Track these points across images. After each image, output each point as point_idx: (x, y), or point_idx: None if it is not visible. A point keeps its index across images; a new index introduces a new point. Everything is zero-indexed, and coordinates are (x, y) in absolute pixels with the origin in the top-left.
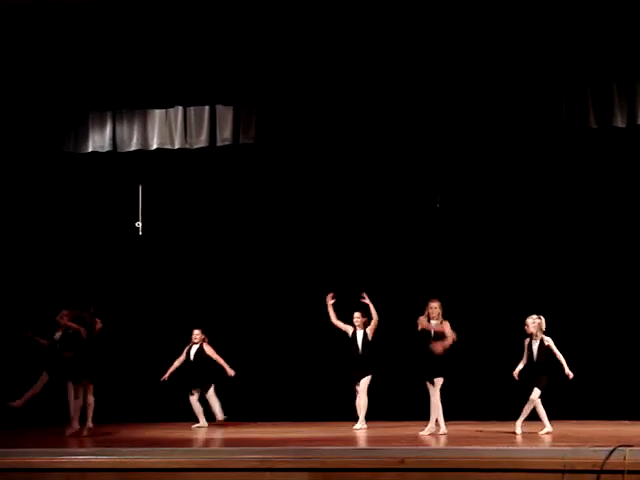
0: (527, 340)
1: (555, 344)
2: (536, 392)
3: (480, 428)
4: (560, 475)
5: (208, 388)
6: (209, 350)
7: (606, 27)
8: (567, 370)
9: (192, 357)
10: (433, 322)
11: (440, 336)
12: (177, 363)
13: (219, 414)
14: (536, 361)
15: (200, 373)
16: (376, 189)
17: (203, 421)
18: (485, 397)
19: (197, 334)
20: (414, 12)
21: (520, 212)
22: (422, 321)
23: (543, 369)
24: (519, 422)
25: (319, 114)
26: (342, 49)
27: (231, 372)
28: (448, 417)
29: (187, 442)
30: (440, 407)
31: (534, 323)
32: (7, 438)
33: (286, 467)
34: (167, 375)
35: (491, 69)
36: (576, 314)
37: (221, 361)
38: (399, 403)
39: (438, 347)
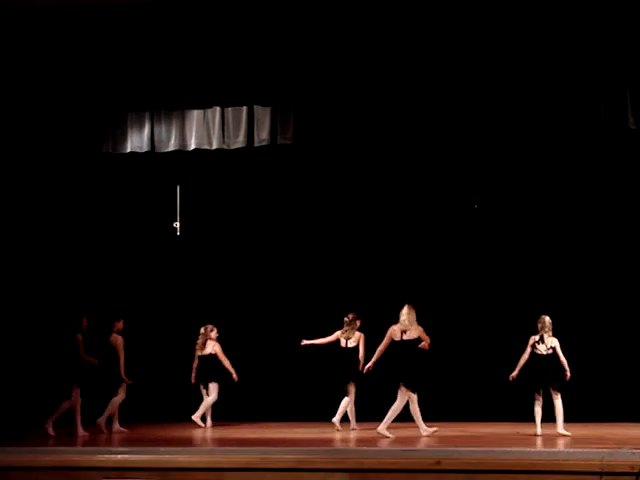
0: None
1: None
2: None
3: (518, 430)
4: (598, 477)
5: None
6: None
7: None
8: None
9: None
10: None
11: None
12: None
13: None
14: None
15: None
16: (414, 189)
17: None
18: (522, 399)
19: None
20: (449, 15)
21: (556, 212)
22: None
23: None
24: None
25: (357, 115)
26: (381, 50)
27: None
28: (485, 418)
29: (226, 442)
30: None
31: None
32: (48, 436)
33: (324, 467)
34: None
35: (531, 68)
36: (609, 317)
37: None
38: (435, 404)
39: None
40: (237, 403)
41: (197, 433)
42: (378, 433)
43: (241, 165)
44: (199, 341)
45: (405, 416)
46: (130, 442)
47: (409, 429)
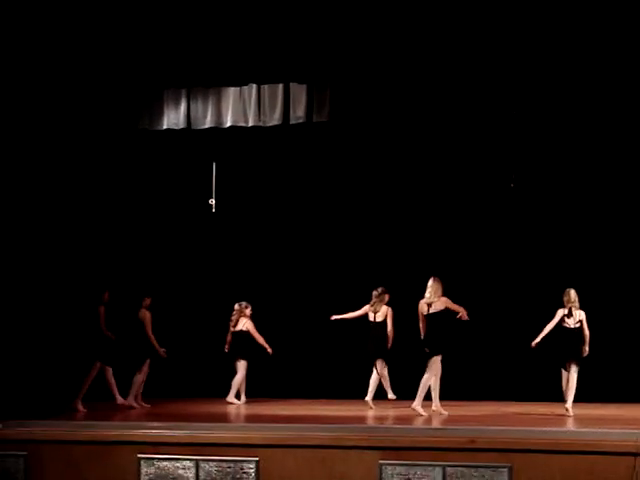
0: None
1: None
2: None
3: (552, 410)
4: (632, 458)
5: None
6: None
7: None
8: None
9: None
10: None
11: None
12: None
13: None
14: None
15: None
16: (451, 167)
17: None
18: (555, 378)
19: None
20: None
21: (592, 192)
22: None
23: None
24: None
25: (393, 92)
26: (418, 27)
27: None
28: (521, 398)
29: (259, 418)
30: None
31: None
32: (84, 412)
33: (357, 445)
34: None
35: (571, 51)
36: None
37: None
38: (469, 382)
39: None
40: (270, 379)
41: (231, 409)
42: (413, 410)
43: (277, 142)
44: (233, 317)
45: (449, 394)
46: (164, 418)
47: (444, 407)
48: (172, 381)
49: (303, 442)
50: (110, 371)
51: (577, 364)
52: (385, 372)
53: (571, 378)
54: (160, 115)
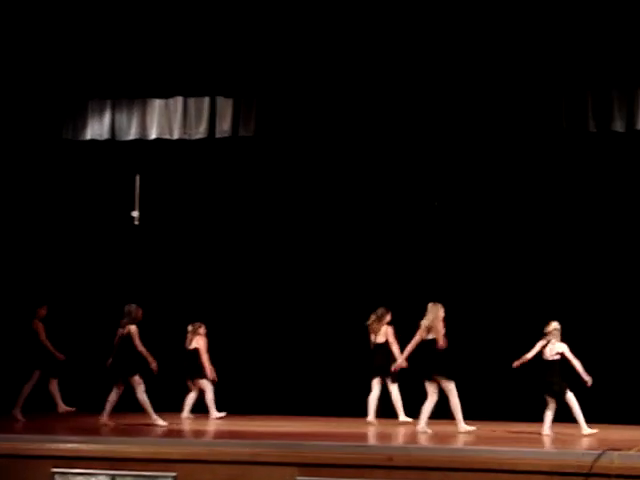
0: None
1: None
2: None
3: (476, 426)
4: (548, 477)
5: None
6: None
7: (607, 32)
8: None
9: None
10: None
11: None
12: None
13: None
14: None
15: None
16: (374, 186)
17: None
18: (478, 396)
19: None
20: (415, 12)
21: (518, 214)
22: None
23: None
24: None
25: (319, 110)
26: (345, 45)
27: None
28: (438, 416)
29: (177, 433)
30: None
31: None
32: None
33: (277, 461)
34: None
35: (492, 72)
36: (567, 315)
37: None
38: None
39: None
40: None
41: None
42: (460, 432)
43: (202, 156)
44: (188, 338)
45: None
46: (80, 431)
47: (365, 425)
48: (89, 394)
49: (221, 458)
50: (55, 383)
51: (551, 396)
52: (394, 393)
53: (549, 408)
54: (84, 125)
